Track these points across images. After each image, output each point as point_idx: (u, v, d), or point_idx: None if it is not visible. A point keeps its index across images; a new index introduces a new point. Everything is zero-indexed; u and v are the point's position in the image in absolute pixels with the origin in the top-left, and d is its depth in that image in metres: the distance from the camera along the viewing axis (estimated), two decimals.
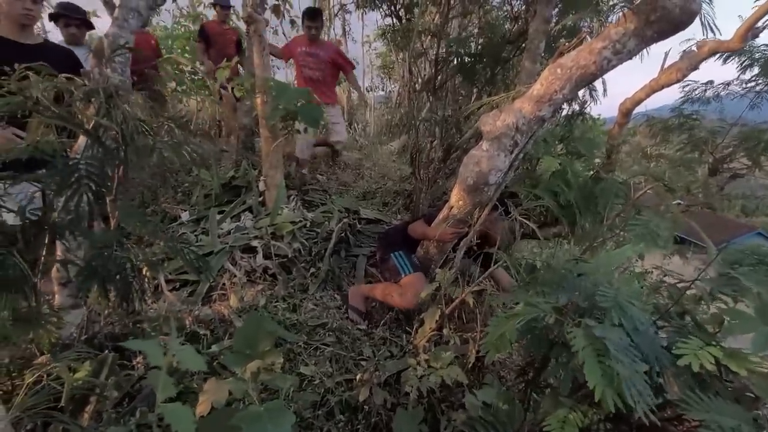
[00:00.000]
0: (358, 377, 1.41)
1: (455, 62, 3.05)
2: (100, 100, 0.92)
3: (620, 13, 1.31)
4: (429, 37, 3.69)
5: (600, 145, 2.32)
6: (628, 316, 0.89)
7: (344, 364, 1.59)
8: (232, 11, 4.39)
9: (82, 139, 1.21)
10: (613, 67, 1.33)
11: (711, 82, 3.18)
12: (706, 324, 1.16)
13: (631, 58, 1.32)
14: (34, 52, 1.61)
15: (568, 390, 1.03)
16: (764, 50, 2.44)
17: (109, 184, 1.03)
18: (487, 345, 1.09)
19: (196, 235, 2.72)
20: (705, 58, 1.59)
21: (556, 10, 2.29)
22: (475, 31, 3.28)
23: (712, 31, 1.47)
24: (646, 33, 1.25)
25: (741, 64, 2.65)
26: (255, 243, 2.46)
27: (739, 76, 2.82)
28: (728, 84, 3.07)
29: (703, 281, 1.08)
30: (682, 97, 3.31)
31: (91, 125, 1.03)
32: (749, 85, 2.97)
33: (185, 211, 3.16)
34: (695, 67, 1.64)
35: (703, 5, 1.35)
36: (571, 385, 1.04)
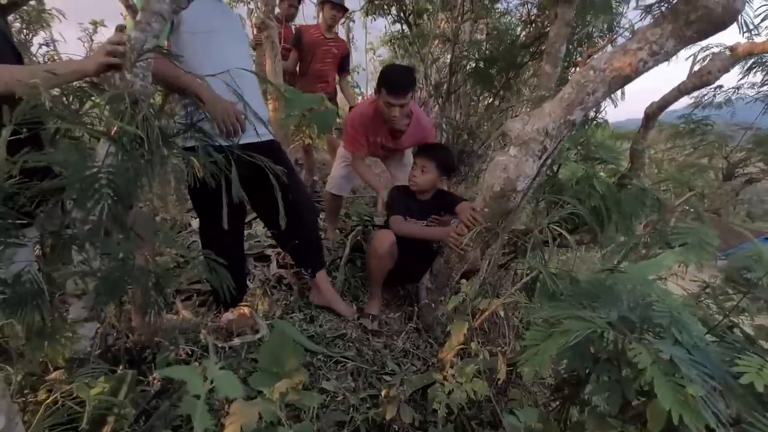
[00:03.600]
0: (383, 393, 1.35)
1: (468, 67, 3.02)
2: (125, 106, 0.88)
3: (657, 13, 1.26)
4: (439, 42, 3.67)
5: (618, 152, 2.27)
6: (687, 332, 0.83)
7: (367, 378, 1.53)
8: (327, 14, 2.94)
9: (99, 146, 1.17)
10: (649, 68, 1.28)
11: (720, 86, 3.12)
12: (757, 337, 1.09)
13: (668, 60, 1.27)
14: None
15: (616, 409, 0.96)
16: None
17: (130, 193, 0.99)
18: (525, 360, 1.03)
19: None
20: (739, 60, 1.54)
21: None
22: (487, 35, 3.25)
23: (749, 30, 1.42)
24: (685, 33, 1.20)
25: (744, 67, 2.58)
26: (269, 252, 2.41)
27: (742, 77, 2.76)
28: (738, 88, 3.02)
29: (753, 291, 1.02)
30: (691, 103, 3.25)
31: (113, 131, 0.99)
32: (762, 89, 2.92)
33: (196, 218, 3.12)
34: (727, 70, 1.59)
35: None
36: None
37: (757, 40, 1.53)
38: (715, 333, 1.06)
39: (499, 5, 3.13)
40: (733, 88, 3.13)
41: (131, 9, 1.24)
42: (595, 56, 1.41)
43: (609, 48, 2.37)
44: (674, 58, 1.31)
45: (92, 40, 6.10)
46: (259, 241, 2.60)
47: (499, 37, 2.89)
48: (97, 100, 1.10)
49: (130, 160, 0.88)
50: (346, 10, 3.05)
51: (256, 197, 1.58)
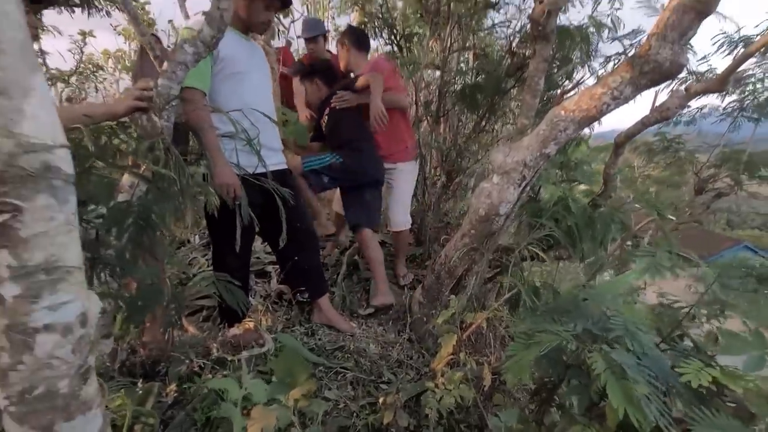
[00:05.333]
0: (381, 400, 1.48)
1: (456, 90, 3.22)
2: (159, 149, 1.02)
3: (617, 64, 1.46)
4: (429, 68, 3.87)
5: (593, 173, 2.49)
6: (638, 341, 1.00)
7: (365, 387, 1.66)
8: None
9: (125, 178, 1.31)
10: (612, 110, 1.48)
11: (687, 106, 3.42)
12: (704, 344, 1.27)
13: (627, 103, 1.47)
14: None
15: (583, 409, 1.12)
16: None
17: (159, 223, 1.12)
18: (507, 369, 1.18)
19: (207, 260, 2.78)
20: (692, 98, 1.76)
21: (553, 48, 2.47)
22: (475, 63, 3.47)
23: (694, 75, 1.64)
24: (641, 82, 1.40)
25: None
26: (269, 268, 2.54)
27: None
28: (702, 108, 3.31)
29: (696, 305, 1.19)
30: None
31: (142, 169, 1.13)
32: (725, 110, 3.21)
33: (195, 234, 3.23)
34: (684, 106, 1.80)
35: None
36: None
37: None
38: (668, 341, 1.24)
39: (486, 36, 3.36)
40: (697, 108, 3.40)
41: (135, 20, 1.33)
42: (566, 97, 1.60)
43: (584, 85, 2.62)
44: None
45: (82, 52, 6.12)
46: (258, 258, 2.72)
47: (485, 66, 3.10)
48: (123, 136, 1.24)
49: (163, 196, 1.03)
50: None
51: (265, 222, 1.72)
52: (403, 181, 2.53)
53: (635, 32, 2.04)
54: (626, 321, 1.06)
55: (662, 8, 1.33)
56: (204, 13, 1.28)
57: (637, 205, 2.70)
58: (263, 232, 1.88)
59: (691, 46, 1.60)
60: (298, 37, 3.32)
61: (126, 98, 1.25)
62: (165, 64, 1.27)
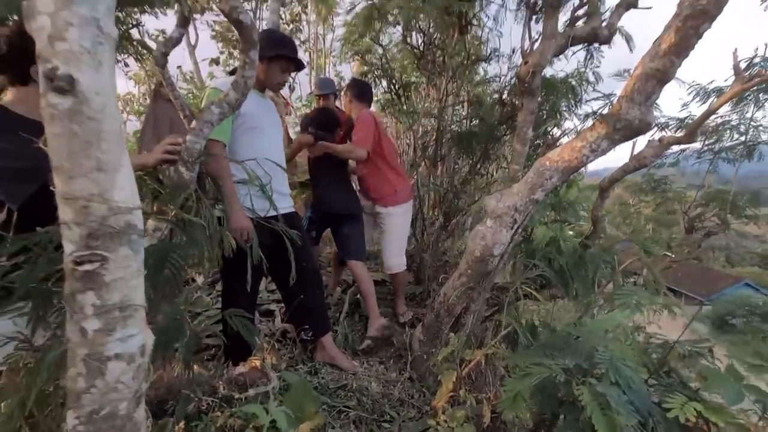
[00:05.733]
0: None
1: (453, 137, 3.44)
2: (192, 199, 1.15)
3: (593, 121, 1.64)
4: (424, 116, 4.14)
5: (585, 209, 2.64)
6: (622, 375, 1.08)
7: (368, 425, 1.69)
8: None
9: (150, 223, 1.43)
10: (591, 161, 1.64)
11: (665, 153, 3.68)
12: (692, 380, 1.34)
13: (605, 155, 1.63)
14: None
15: None
16: None
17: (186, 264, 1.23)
18: (504, 404, 1.24)
19: (211, 298, 2.85)
20: (666, 148, 1.93)
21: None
22: (468, 104, 3.74)
23: (662, 129, 1.84)
24: (615, 137, 1.57)
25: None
26: (273, 307, 2.61)
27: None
28: (684, 150, 3.54)
29: (680, 343, 1.28)
30: None
31: (173, 216, 1.26)
32: (701, 155, 3.44)
33: (200, 274, 3.30)
34: (659, 155, 1.97)
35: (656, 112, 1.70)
36: None
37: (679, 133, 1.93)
38: (656, 377, 1.31)
39: (479, 86, 3.65)
40: (680, 149, 3.63)
41: (171, 85, 1.49)
42: (558, 144, 1.77)
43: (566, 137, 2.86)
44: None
45: None
46: (262, 297, 2.79)
47: (479, 114, 3.35)
48: (153, 185, 1.38)
49: (190, 241, 1.14)
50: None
51: (273, 262, 1.83)
52: (394, 225, 2.63)
53: (608, 96, 2.28)
54: (613, 356, 1.14)
55: (629, 75, 1.52)
56: (230, 73, 1.46)
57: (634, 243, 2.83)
58: (272, 271, 1.98)
59: (658, 106, 1.79)
60: (309, 93, 3.60)
61: (156, 152, 1.40)
62: (194, 122, 1.43)
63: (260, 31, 2.01)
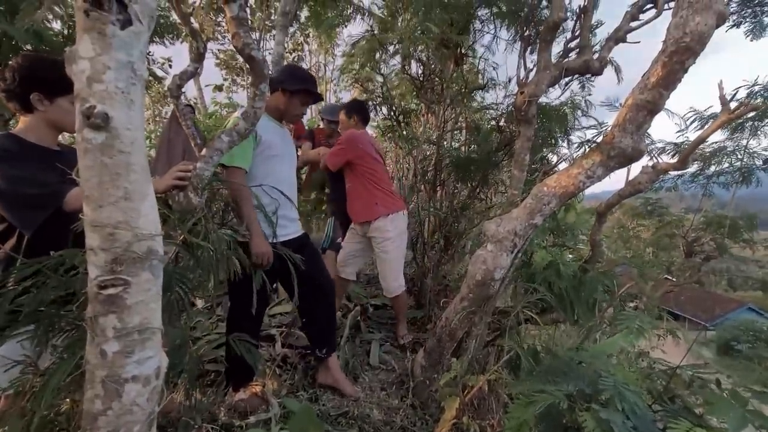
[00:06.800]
0: None
1: (452, 162, 3.52)
2: (201, 224, 1.19)
3: (588, 148, 1.70)
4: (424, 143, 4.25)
5: (584, 233, 2.68)
6: (627, 401, 1.08)
7: None
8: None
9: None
10: (588, 187, 1.69)
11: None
12: (697, 406, 1.34)
13: (600, 181, 1.68)
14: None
15: None
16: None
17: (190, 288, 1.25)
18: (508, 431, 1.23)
19: (211, 323, 2.83)
20: (660, 174, 1.98)
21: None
22: (466, 130, 3.84)
23: (653, 158, 1.91)
24: (609, 164, 1.62)
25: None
26: (273, 331, 2.59)
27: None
28: (680, 176, 3.62)
29: (682, 368, 1.28)
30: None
31: (182, 239, 1.29)
32: (694, 179, 3.52)
33: (201, 298, 3.29)
34: (654, 180, 2.03)
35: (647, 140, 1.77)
36: None
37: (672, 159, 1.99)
38: (660, 403, 1.31)
39: (476, 113, 3.76)
40: (677, 175, 3.71)
41: (186, 120, 1.59)
42: (555, 169, 1.82)
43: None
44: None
45: None
46: (263, 322, 2.78)
47: (477, 140, 3.44)
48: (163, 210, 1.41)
49: (198, 264, 1.17)
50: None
51: (287, 280, 1.86)
52: (389, 246, 2.59)
53: (600, 124, 2.37)
54: (616, 382, 1.15)
55: (620, 105, 1.59)
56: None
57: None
58: (288, 289, 2.01)
59: (649, 134, 1.86)
60: (320, 116, 3.84)
61: (167, 178, 1.45)
62: (204, 150, 1.48)
63: (285, 65, 2.17)
